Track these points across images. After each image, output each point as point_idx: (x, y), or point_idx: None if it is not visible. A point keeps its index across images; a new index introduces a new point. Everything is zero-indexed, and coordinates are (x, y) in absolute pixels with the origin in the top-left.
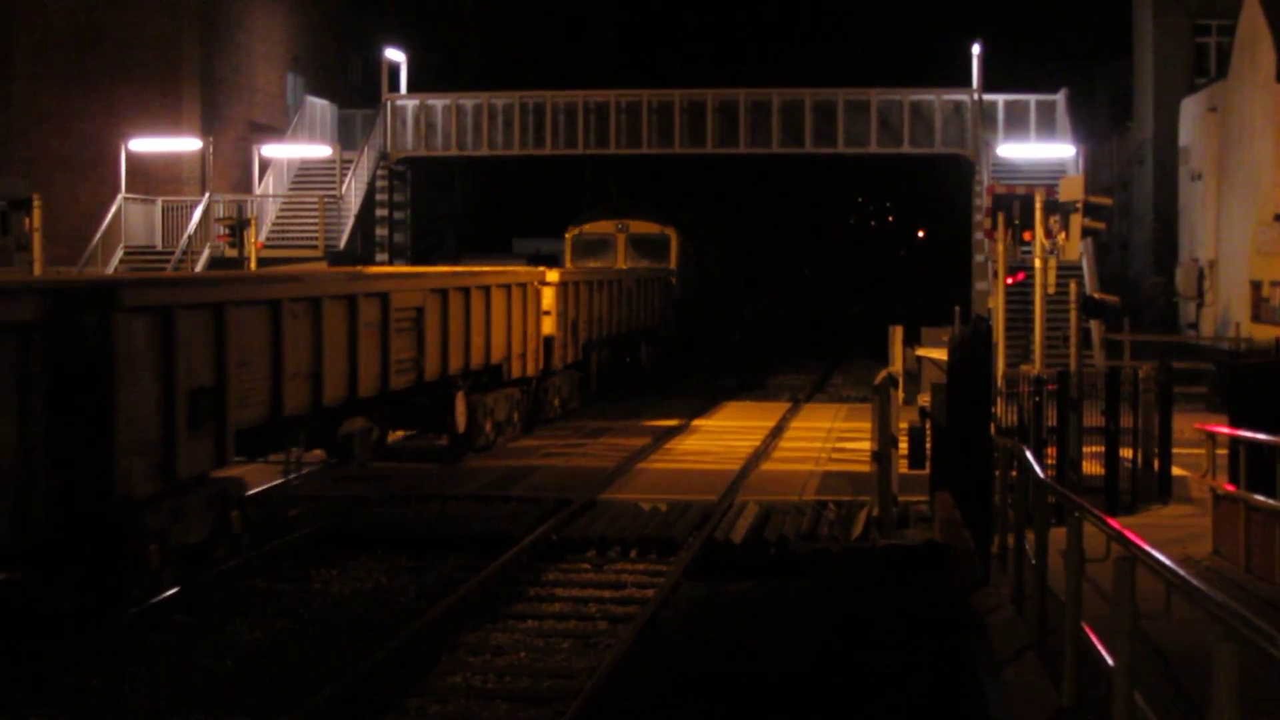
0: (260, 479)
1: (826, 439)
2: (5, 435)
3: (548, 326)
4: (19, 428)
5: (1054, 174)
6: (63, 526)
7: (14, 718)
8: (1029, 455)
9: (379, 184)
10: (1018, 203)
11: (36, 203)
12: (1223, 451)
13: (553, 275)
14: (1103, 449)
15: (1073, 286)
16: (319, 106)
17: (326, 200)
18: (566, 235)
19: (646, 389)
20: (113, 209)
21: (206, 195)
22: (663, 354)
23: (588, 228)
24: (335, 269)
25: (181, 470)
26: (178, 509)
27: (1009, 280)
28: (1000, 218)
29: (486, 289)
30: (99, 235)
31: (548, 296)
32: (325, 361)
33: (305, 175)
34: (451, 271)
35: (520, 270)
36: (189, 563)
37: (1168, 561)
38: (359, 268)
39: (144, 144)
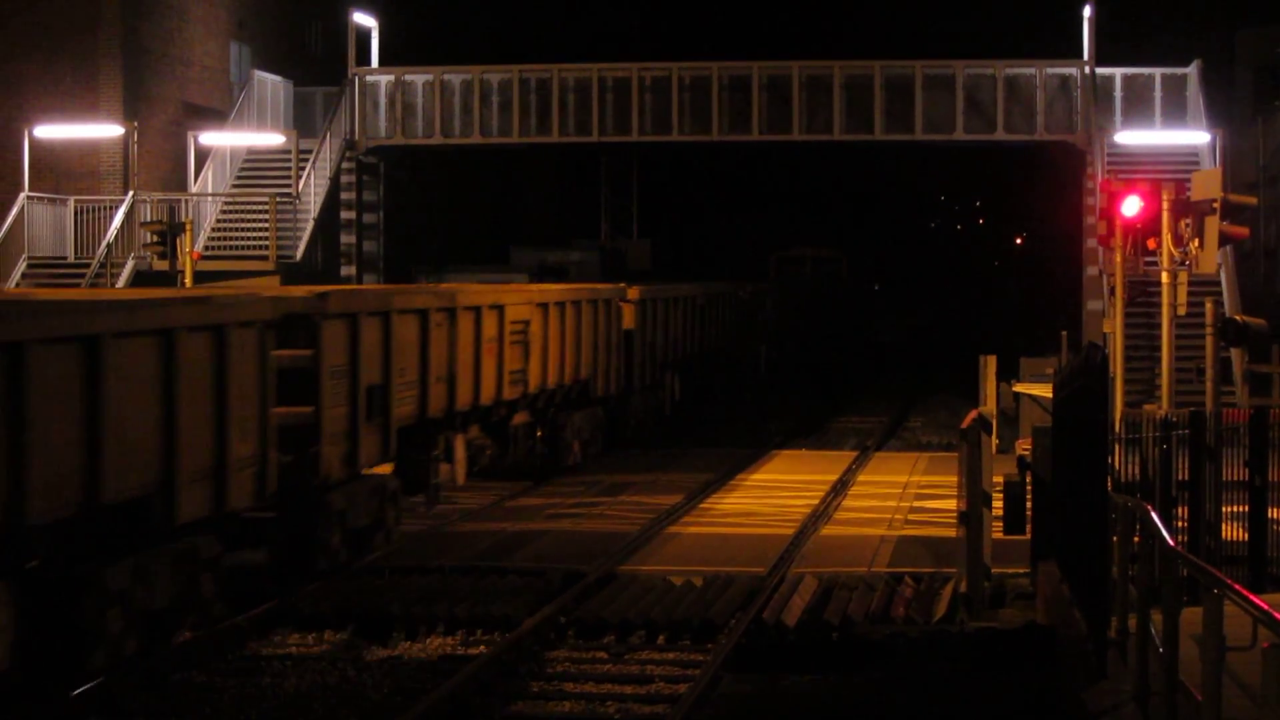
0: None
1: (902, 496)
2: None
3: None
4: None
5: (1185, 166)
6: None
7: None
8: (1155, 517)
9: (344, 179)
10: (1139, 202)
11: None
12: None
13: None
14: (1246, 509)
15: (1209, 306)
16: (270, 84)
17: (279, 200)
18: (770, 257)
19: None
20: (13, 211)
21: (130, 194)
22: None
23: (788, 252)
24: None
25: None
26: None
27: (1129, 298)
28: (1118, 221)
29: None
30: None
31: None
32: None
33: (253, 169)
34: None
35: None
36: None
37: None
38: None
39: (52, 130)
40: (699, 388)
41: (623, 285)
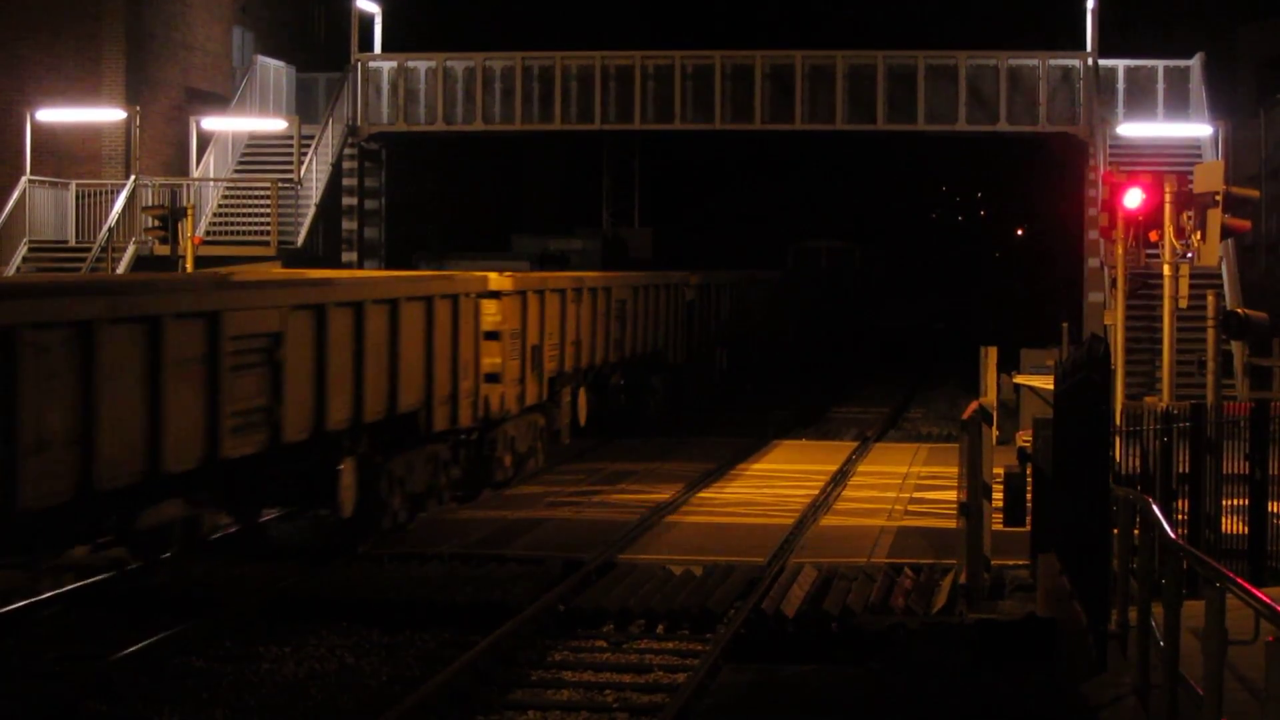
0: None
1: (902, 487)
2: None
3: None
4: None
5: (1187, 159)
6: None
7: None
8: (1155, 510)
9: (346, 165)
10: (1141, 194)
11: None
12: None
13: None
14: (1247, 502)
15: (1210, 299)
16: (273, 69)
17: (281, 185)
18: (789, 247)
19: (662, 431)
20: (14, 195)
21: (132, 178)
22: (678, 387)
23: (805, 243)
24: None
25: None
26: None
27: (1131, 291)
28: (1120, 213)
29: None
30: None
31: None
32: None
33: (255, 154)
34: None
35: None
36: None
37: None
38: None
39: (54, 114)
40: (742, 361)
41: (686, 273)
